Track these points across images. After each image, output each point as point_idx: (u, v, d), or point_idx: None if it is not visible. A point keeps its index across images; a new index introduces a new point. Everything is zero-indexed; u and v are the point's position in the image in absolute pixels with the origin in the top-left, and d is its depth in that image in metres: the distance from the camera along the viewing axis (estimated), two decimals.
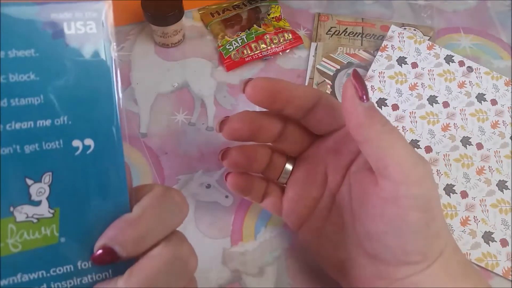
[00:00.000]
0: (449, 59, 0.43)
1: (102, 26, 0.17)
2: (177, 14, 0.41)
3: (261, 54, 0.43)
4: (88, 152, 0.18)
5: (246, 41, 0.43)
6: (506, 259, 0.35)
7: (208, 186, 0.36)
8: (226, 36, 0.44)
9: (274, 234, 0.35)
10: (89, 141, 0.18)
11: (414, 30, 0.46)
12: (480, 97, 0.41)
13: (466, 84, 0.42)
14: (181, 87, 0.41)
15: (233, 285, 0.33)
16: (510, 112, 0.41)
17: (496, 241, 0.35)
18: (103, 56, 0.17)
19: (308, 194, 0.30)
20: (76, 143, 0.17)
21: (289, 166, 0.31)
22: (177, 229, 0.21)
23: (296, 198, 0.30)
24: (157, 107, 0.40)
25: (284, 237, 0.35)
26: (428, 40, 0.45)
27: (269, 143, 0.31)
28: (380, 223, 0.24)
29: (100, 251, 0.18)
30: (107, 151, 0.18)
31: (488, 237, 0.35)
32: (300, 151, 0.31)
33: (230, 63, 0.42)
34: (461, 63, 0.43)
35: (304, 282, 0.33)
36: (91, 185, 0.18)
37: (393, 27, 0.45)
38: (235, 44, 0.43)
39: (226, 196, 0.36)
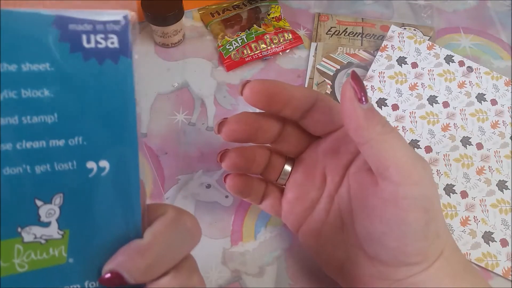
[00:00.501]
0: (449, 59, 0.43)
1: (125, 40, 0.15)
2: (177, 14, 0.41)
3: (261, 54, 0.43)
4: (103, 174, 0.17)
5: (246, 41, 0.43)
6: (506, 259, 0.35)
7: (208, 186, 0.36)
8: (226, 36, 0.44)
9: (274, 234, 0.35)
10: (104, 163, 0.17)
11: (414, 30, 0.46)
12: (480, 97, 0.41)
13: (466, 84, 0.42)
14: (181, 87, 0.42)
15: (233, 285, 0.33)
16: (510, 112, 0.41)
17: (496, 241, 0.35)
18: (124, 74, 0.16)
19: (307, 195, 0.30)
20: (91, 164, 0.17)
21: (288, 167, 0.31)
22: None
23: (295, 199, 0.30)
24: (157, 107, 0.40)
25: (284, 237, 0.35)
26: (428, 40, 0.45)
27: (268, 144, 0.31)
28: (380, 224, 0.24)
29: (108, 274, 0.18)
30: (123, 174, 0.17)
31: (488, 237, 0.35)
32: (298, 152, 0.31)
33: (230, 63, 0.42)
34: (461, 63, 0.43)
35: (304, 282, 0.33)
36: (104, 207, 0.17)
37: (393, 27, 0.45)
38: (235, 44, 0.43)
39: (226, 196, 0.36)
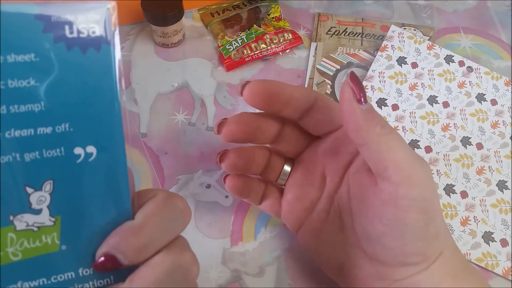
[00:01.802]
0: (449, 59, 0.43)
1: (106, 29, 0.16)
2: (177, 14, 0.41)
3: (261, 54, 0.43)
4: (90, 159, 0.17)
5: (246, 41, 0.43)
6: (506, 259, 0.35)
7: (208, 186, 0.37)
8: (226, 36, 0.44)
9: (274, 234, 0.35)
10: (91, 149, 0.17)
11: (414, 30, 0.46)
12: (480, 97, 0.41)
13: (466, 84, 0.42)
14: (181, 87, 0.42)
15: (233, 285, 0.33)
16: (510, 112, 0.41)
17: (496, 241, 0.35)
18: (106, 61, 0.17)
19: (307, 195, 0.30)
20: (78, 150, 0.17)
21: (287, 168, 0.31)
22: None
23: (295, 200, 0.30)
24: (157, 107, 0.40)
25: (284, 237, 0.35)
26: (428, 40, 0.45)
27: (267, 145, 0.31)
28: (379, 224, 0.24)
29: (102, 258, 0.18)
30: (110, 159, 0.18)
31: (488, 237, 0.35)
32: (298, 152, 0.31)
33: (230, 63, 0.42)
34: (461, 63, 0.43)
35: (304, 282, 0.33)
36: (93, 192, 0.18)
37: (393, 27, 0.45)
38: (235, 44, 0.43)
39: (226, 196, 0.36)
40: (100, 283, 0.19)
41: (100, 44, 0.16)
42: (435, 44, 0.44)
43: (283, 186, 0.32)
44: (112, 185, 0.18)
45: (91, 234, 0.18)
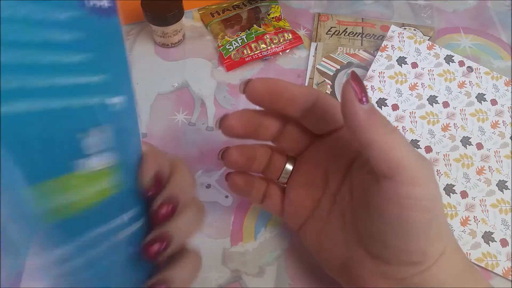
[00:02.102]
0: (449, 59, 0.43)
1: (113, 2, 0.19)
2: (177, 14, 0.41)
3: (261, 54, 0.43)
4: (118, 107, 0.19)
5: (246, 41, 0.43)
6: (506, 259, 0.35)
7: (208, 186, 0.36)
8: (226, 36, 0.44)
9: (274, 234, 0.35)
10: (118, 98, 0.19)
11: (414, 30, 0.46)
12: (480, 97, 0.41)
13: (466, 84, 0.42)
14: (181, 87, 0.41)
15: (233, 285, 0.33)
16: (510, 112, 0.41)
17: (496, 241, 0.35)
18: (116, 25, 0.19)
19: (309, 195, 0.30)
20: (110, 100, 0.19)
21: (289, 166, 0.31)
22: None
23: (297, 199, 0.30)
24: (157, 107, 0.40)
25: (284, 237, 0.35)
26: (428, 40, 0.45)
27: (270, 143, 0.31)
28: (382, 223, 0.24)
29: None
30: (130, 106, 0.20)
31: (488, 237, 0.35)
32: (300, 151, 0.31)
33: (230, 63, 0.42)
34: (461, 63, 0.43)
35: (304, 282, 0.33)
36: (126, 135, 0.20)
37: (393, 27, 0.45)
38: (235, 44, 0.43)
39: (226, 196, 0.36)
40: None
41: (109, 13, 0.19)
42: (435, 44, 0.44)
43: (285, 185, 0.32)
44: (133, 128, 0.21)
45: (134, 171, 0.21)
